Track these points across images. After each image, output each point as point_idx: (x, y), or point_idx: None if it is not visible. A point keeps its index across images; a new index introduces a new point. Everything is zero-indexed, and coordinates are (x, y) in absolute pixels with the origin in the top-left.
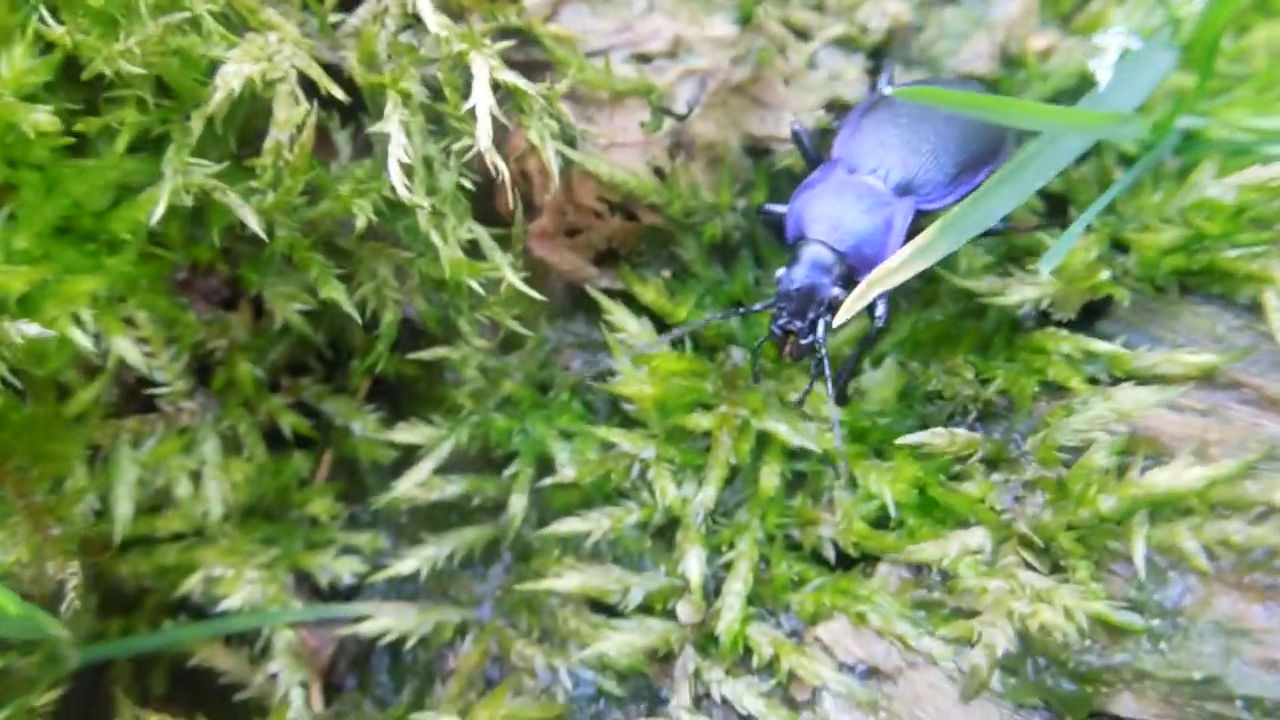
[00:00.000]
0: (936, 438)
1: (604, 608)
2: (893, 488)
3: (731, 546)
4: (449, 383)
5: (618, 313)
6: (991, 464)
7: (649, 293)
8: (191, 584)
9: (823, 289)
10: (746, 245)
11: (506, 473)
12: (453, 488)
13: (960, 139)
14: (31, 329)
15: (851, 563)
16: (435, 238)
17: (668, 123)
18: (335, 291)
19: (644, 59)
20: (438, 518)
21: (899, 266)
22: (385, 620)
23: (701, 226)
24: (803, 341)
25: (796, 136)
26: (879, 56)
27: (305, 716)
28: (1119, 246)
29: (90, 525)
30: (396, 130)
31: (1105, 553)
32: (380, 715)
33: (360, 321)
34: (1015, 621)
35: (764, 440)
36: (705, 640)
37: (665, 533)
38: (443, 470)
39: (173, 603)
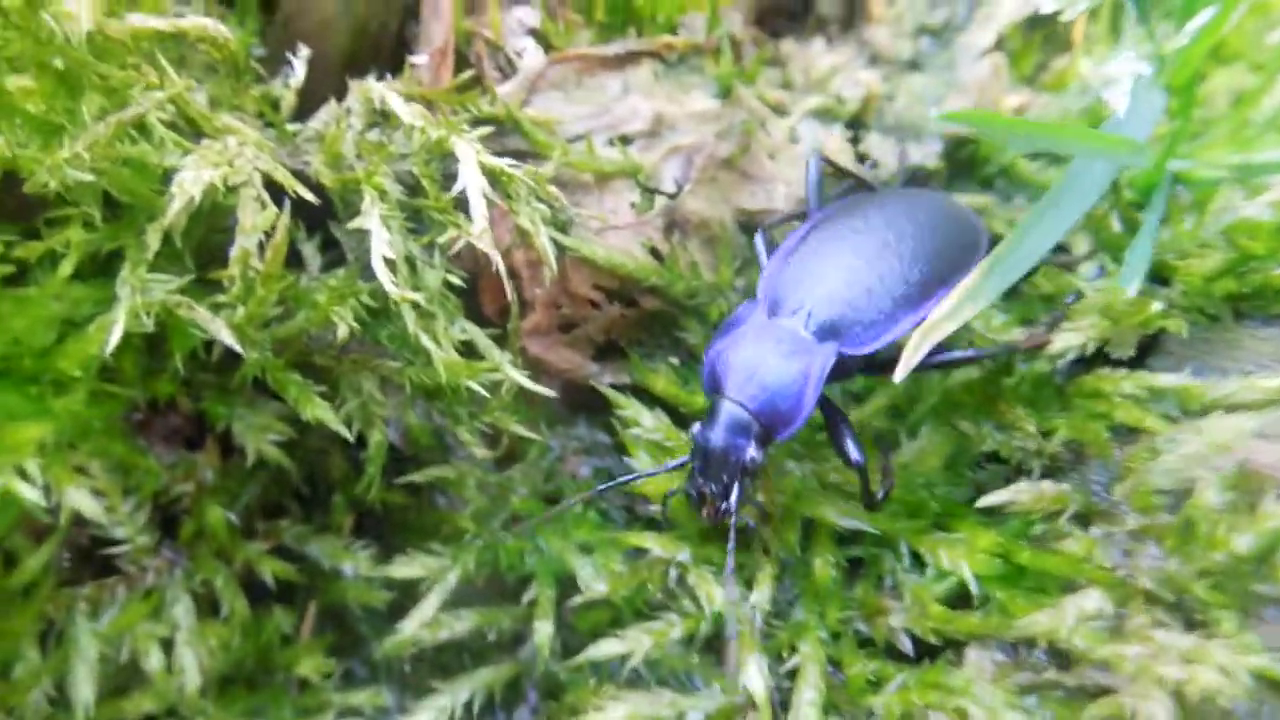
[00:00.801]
0: (1022, 495)
1: None
2: (970, 560)
3: (793, 650)
4: (442, 508)
5: (630, 407)
6: (1082, 519)
7: (659, 382)
8: None
9: (737, 451)
10: None
11: (525, 598)
12: (463, 624)
13: (906, 263)
14: None
15: (933, 652)
16: (426, 340)
17: (659, 202)
18: (319, 410)
19: (625, 141)
20: (446, 662)
21: (950, 313)
22: None
23: (705, 307)
24: (720, 505)
25: (754, 243)
26: (856, 126)
27: None
28: (1157, 279)
29: (46, 716)
30: (377, 225)
31: (1250, 598)
32: None
33: (351, 439)
34: (1167, 690)
35: (810, 528)
36: None
37: (713, 645)
38: (448, 606)
39: None
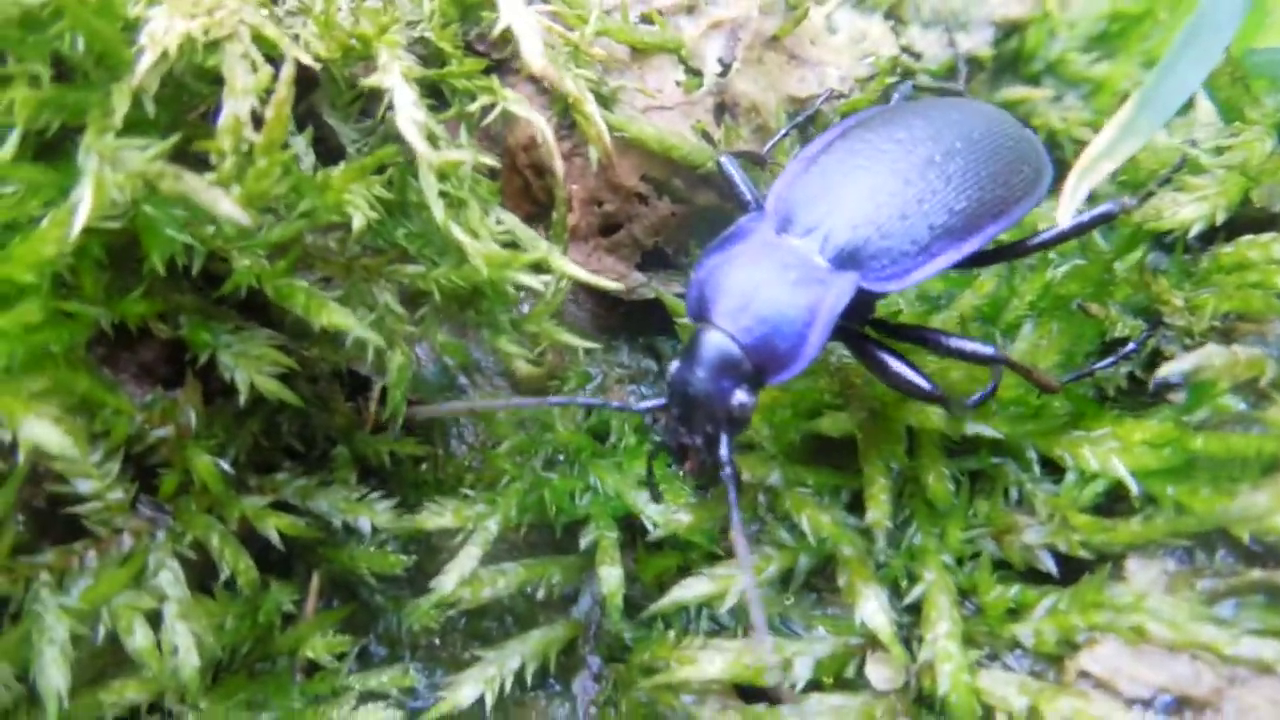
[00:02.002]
0: (1213, 359)
1: (756, 696)
2: (1125, 457)
3: (913, 580)
4: (461, 458)
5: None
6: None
7: None
8: None
9: (721, 396)
10: None
11: (584, 541)
12: (508, 580)
13: (954, 187)
14: None
15: (1077, 572)
16: (459, 233)
17: (706, 81)
18: (336, 315)
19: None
20: (484, 631)
21: (1107, 151)
22: None
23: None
24: (704, 459)
25: (723, 169)
26: (893, 18)
27: None
28: None
29: (7, 713)
30: (399, 82)
31: None
32: None
33: (382, 346)
34: None
35: (916, 438)
36: (916, 710)
37: (813, 583)
38: (487, 561)
39: None
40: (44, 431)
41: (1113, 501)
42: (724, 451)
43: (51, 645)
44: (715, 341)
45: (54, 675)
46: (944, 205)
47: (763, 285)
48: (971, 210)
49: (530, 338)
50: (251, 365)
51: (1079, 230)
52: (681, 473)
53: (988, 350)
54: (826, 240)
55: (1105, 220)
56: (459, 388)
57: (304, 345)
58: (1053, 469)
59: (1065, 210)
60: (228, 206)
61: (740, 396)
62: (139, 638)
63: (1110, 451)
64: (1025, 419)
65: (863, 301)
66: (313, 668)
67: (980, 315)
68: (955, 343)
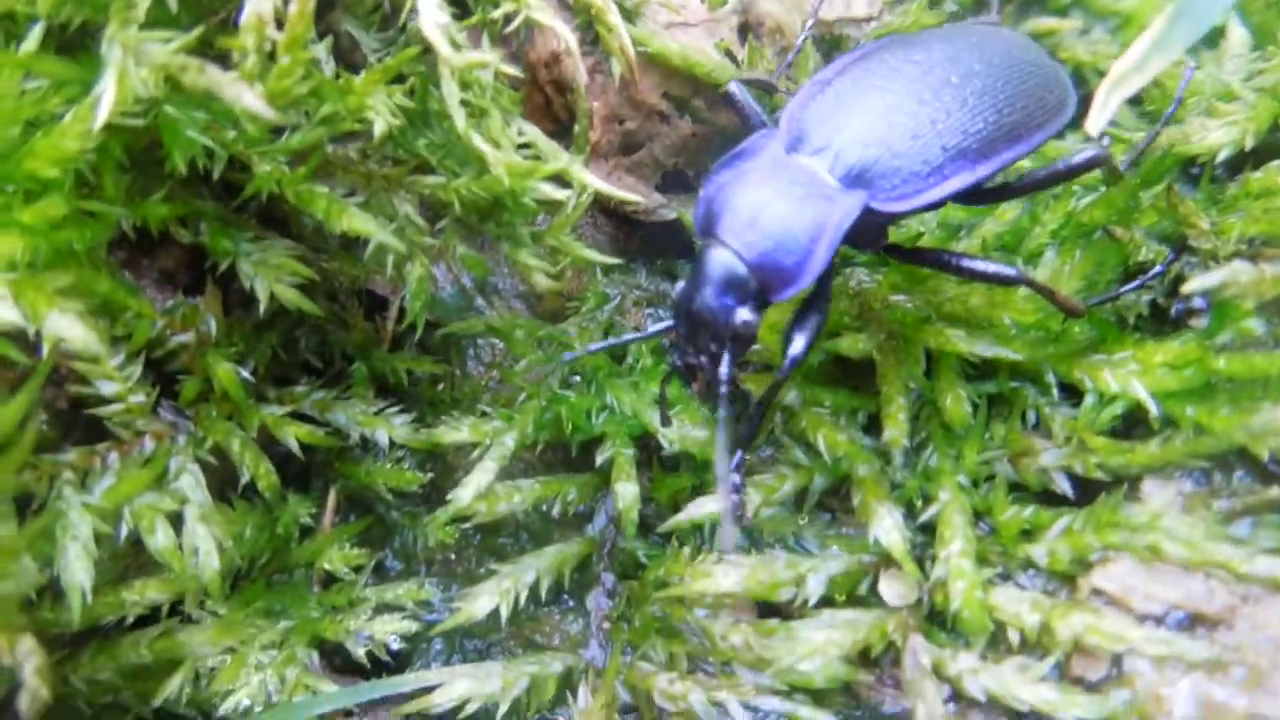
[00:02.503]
0: (1240, 275)
1: (768, 613)
2: (1146, 379)
3: (927, 500)
4: (478, 378)
5: None
6: None
7: None
8: (174, 686)
9: (726, 313)
10: None
11: (600, 459)
12: (524, 495)
13: (970, 109)
14: None
15: (1093, 495)
16: (480, 142)
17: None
18: (357, 221)
19: None
20: (498, 547)
21: (1138, 65)
22: (462, 686)
23: None
24: (710, 379)
25: (731, 97)
26: None
27: None
28: None
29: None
30: None
31: None
32: None
33: (402, 253)
34: None
35: (934, 361)
36: (928, 626)
37: (826, 503)
38: (503, 478)
39: None
40: (68, 327)
41: (1130, 425)
42: (724, 370)
43: (75, 542)
44: (720, 258)
45: (78, 571)
46: (959, 127)
47: (770, 202)
48: (988, 133)
49: (550, 252)
50: (271, 274)
51: (1070, 172)
52: (691, 394)
53: (1010, 271)
54: (837, 159)
55: (1095, 165)
56: (476, 309)
57: (323, 258)
58: (1071, 393)
59: (1094, 123)
60: (251, 100)
61: (744, 314)
62: (160, 538)
63: (1130, 374)
64: (1045, 343)
65: (875, 224)
66: (329, 579)
67: (1002, 244)
68: (977, 265)
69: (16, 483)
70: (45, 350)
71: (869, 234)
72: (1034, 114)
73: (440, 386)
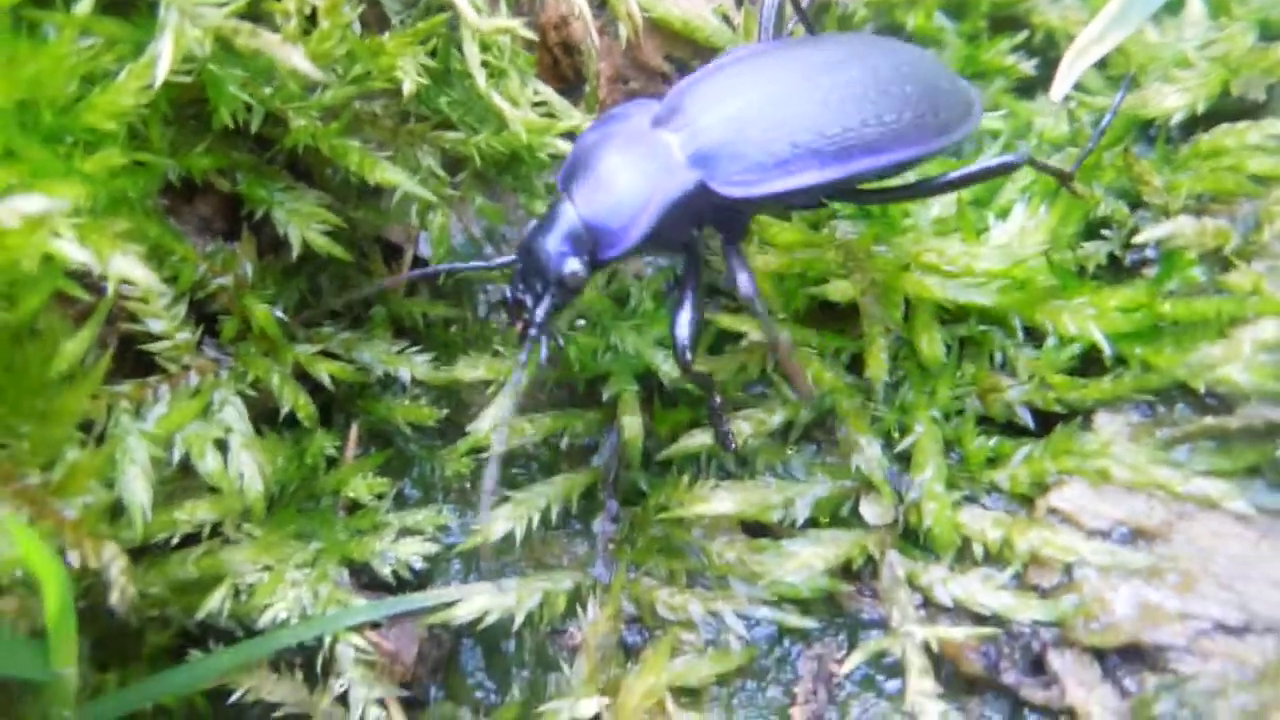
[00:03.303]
0: (1185, 228)
1: (759, 533)
2: (1101, 322)
3: (904, 432)
4: (489, 320)
5: None
6: (1237, 259)
7: None
8: (216, 600)
9: (558, 259)
10: None
11: (606, 395)
12: (535, 428)
13: (831, 111)
14: (19, 211)
15: (1051, 427)
16: (499, 100)
17: None
18: (387, 172)
19: None
20: (510, 477)
21: (1098, 37)
22: (481, 601)
23: None
24: (528, 317)
25: None
26: None
27: None
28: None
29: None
30: None
31: None
32: None
33: (430, 201)
34: None
35: (912, 306)
36: (903, 543)
37: (812, 434)
38: (516, 413)
39: (176, 644)
40: (131, 268)
41: (1085, 364)
42: (540, 312)
43: (134, 465)
44: (565, 211)
45: (139, 490)
46: (814, 126)
47: (618, 169)
48: (844, 139)
49: None
50: (303, 221)
51: (984, 174)
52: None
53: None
54: (692, 137)
55: (1008, 170)
56: (485, 255)
57: (347, 207)
58: (1034, 336)
59: (1058, 89)
60: (300, 61)
61: (574, 265)
62: (210, 462)
63: (1087, 317)
64: (1012, 290)
65: (728, 209)
66: (354, 506)
67: (974, 198)
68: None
69: (81, 409)
70: (110, 289)
71: (727, 220)
72: (905, 131)
73: (453, 329)
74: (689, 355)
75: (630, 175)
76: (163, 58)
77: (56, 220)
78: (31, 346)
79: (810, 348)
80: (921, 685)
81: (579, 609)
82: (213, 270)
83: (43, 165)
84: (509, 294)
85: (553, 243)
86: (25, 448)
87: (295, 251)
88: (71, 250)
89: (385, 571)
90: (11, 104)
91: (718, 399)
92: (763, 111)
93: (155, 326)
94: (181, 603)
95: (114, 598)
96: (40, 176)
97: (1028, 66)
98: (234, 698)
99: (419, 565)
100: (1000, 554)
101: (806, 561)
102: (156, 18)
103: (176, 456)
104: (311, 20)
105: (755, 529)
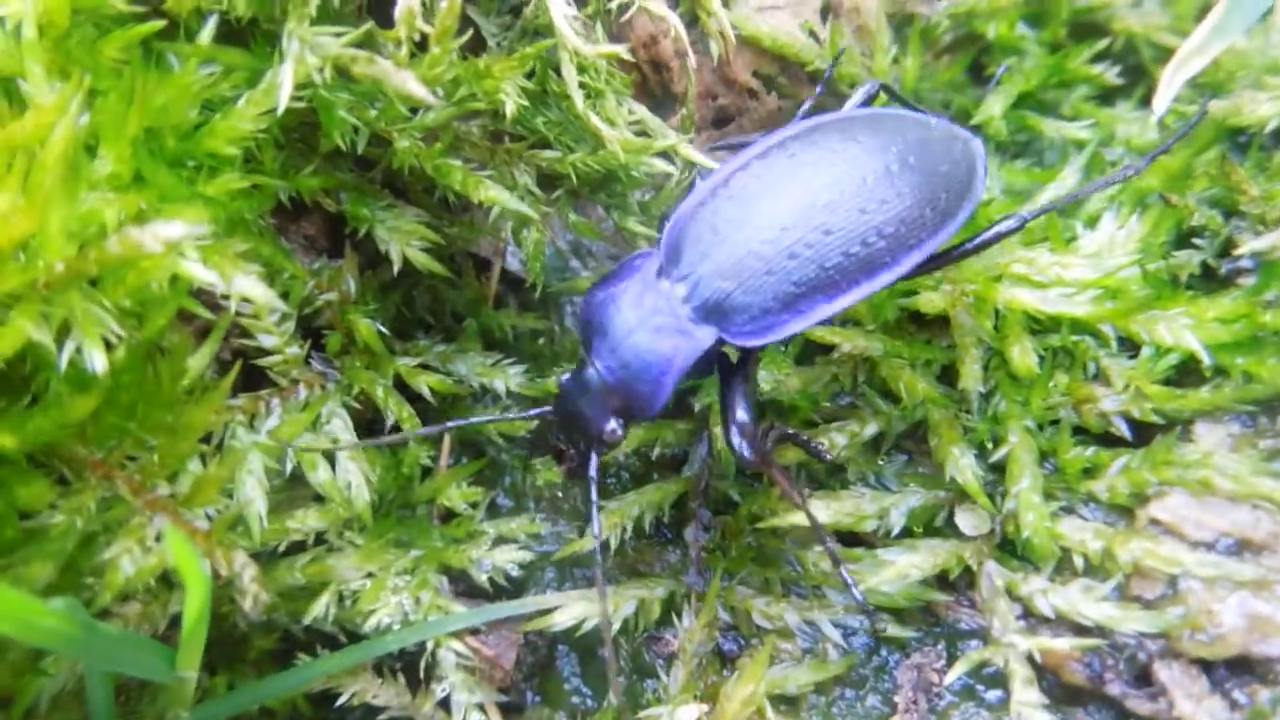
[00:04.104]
0: None
1: (853, 544)
2: (1199, 332)
3: (997, 443)
4: (574, 332)
5: None
6: None
7: None
8: (321, 606)
9: (595, 421)
10: None
11: (697, 406)
12: (629, 440)
13: (838, 239)
14: (161, 236)
15: (1148, 438)
16: (597, 120)
17: None
18: (491, 191)
19: None
20: (602, 486)
21: (1199, 49)
22: (579, 607)
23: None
24: (575, 465)
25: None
26: None
27: None
28: None
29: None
30: None
31: None
32: None
33: (532, 218)
34: None
35: (1002, 317)
36: (1000, 554)
37: (903, 445)
38: None
39: (281, 648)
40: (251, 286)
41: (1182, 375)
42: (592, 470)
43: (251, 475)
44: (591, 376)
45: (256, 500)
46: (813, 259)
47: (633, 330)
48: (844, 266)
49: (654, 220)
50: (403, 238)
51: (983, 245)
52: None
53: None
54: (696, 289)
55: (1008, 234)
56: (571, 269)
57: (443, 223)
58: (1129, 346)
59: (1160, 102)
60: (415, 87)
61: (612, 425)
62: (321, 473)
63: (1184, 327)
64: (1104, 299)
65: (744, 349)
66: (448, 515)
67: (1062, 211)
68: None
69: (203, 421)
70: (233, 307)
71: (743, 357)
72: (907, 236)
73: (541, 341)
74: (749, 454)
75: (647, 339)
76: (284, 85)
77: (185, 243)
78: (160, 363)
79: (901, 359)
80: (1026, 695)
81: (675, 617)
82: (319, 287)
83: (169, 189)
84: (552, 438)
85: (587, 406)
86: (155, 460)
87: (396, 267)
88: (198, 271)
89: (482, 579)
90: (140, 131)
91: (788, 485)
92: (757, 252)
93: (267, 342)
94: (288, 608)
95: (246, 604)
96: (167, 200)
97: (1112, 75)
98: (339, 701)
99: (514, 572)
100: (1101, 565)
101: (903, 570)
102: (273, 46)
103: (289, 468)
104: (419, 46)
105: (849, 539)
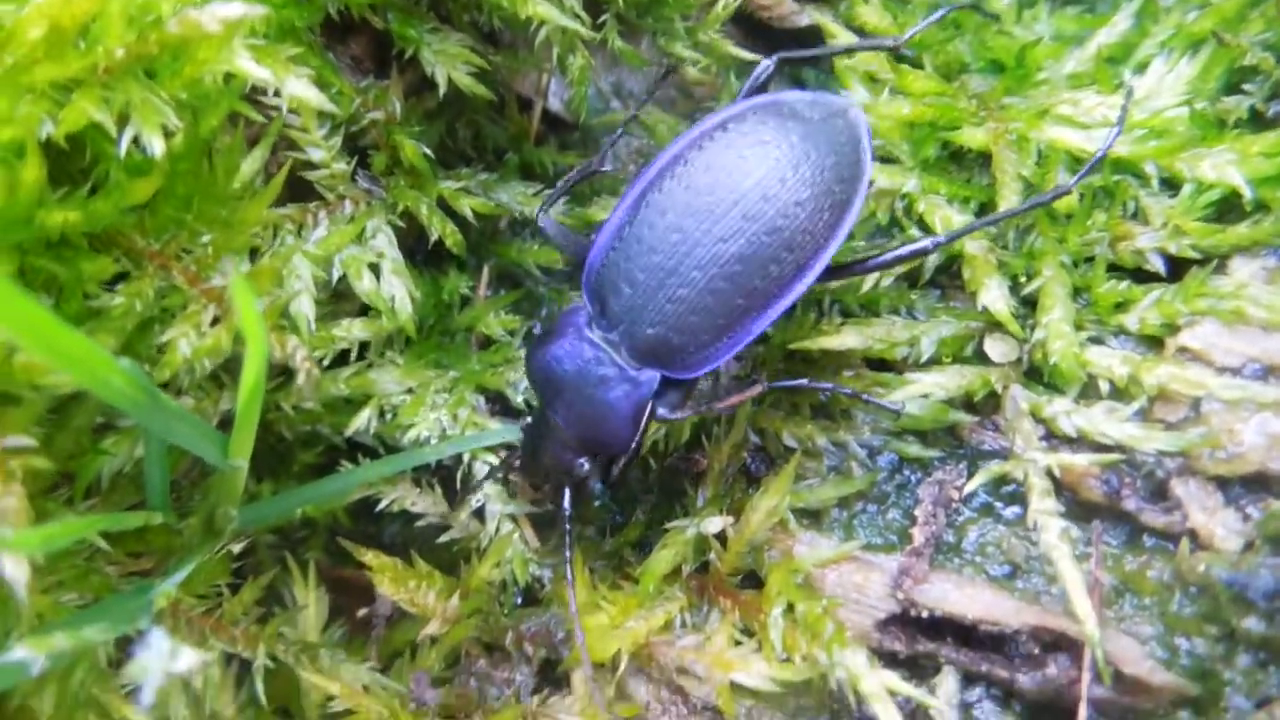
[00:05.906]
0: None
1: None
2: (1244, 167)
3: (1031, 277)
4: (617, 171)
5: (842, 35)
6: None
7: (870, 12)
8: (363, 419)
9: (567, 465)
10: None
11: None
12: None
13: (758, 261)
14: (219, 16)
15: (1181, 274)
16: None
17: None
18: (541, 8)
19: None
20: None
21: None
22: None
23: None
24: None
25: (544, 232)
26: None
27: (526, 551)
28: None
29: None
30: None
31: None
32: (615, 542)
33: (584, 34)
34: None
35: (1045, 156)
36: (1027, 380)
37: (937, 281)
38: None
39: (323, 462)
40: (303, 88)
41: (1221, 214)
42: (565, 506)
43: (299, 280)
44: (553, 427)
45: (304, 303)
46: (738, 290)
47: (581, 385)
48: (768, 279)
49: (699, 46)
50: (450, 61)
51: (898, 260)
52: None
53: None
54: (628, 338)
55: (921, 255)
56: (609, 109)
57: (490, 51)
58: (1169, 189)
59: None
60: None
61: (583, 463)
62: (366, 283)
63: (1228, 163)
64: (1149, 138)
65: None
66: (486, 342)
67: (1111, 55)
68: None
69: (256, 221)
70: (284, 107)
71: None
72: (820, 233)
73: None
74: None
75: (596, 390)
76: None
77: (237, 42)
78: (216, 159)
79: (938, 194)
80: (1044, 504)
81: (704, 438)
82: (365, 105)
83: None
84: (518, 475)
85: (553, 450)
86: (210, 253)
87: (441, 90)
88: (251, 67)
89: (518, 400)
90: None
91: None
92: (678, 298)
93: (315, 155)
94: (331, 420)
95: (300, 379)
96: None
97: None
98: (379, 507)
99: None
100: (1126, 389)
101: (929, 390)
102: None
103: (335, 277)
104: None
105: (880, 366)
